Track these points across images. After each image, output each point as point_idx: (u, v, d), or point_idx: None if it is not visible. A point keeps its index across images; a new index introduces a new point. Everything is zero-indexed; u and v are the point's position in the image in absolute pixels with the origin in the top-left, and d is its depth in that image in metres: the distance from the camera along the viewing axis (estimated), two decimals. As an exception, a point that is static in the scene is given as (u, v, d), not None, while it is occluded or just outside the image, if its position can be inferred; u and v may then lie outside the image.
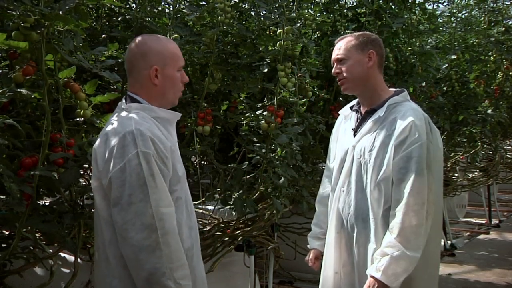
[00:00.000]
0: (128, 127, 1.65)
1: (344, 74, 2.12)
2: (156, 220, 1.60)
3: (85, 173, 2.63)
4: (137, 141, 1.62)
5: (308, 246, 2.39)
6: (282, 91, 3.18)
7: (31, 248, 2.28)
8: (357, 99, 2.24)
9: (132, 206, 1.59)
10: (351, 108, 2.27)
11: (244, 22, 3.69)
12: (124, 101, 1.80)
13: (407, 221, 1.92)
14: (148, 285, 1.61)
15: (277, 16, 3.13)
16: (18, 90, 1.98)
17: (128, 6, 3.33)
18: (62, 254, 2.73)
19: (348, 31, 3.71)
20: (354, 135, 2.16)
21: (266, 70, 3.22)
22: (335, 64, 2.16)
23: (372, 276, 1.94)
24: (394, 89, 2.18)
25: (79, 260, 2.34)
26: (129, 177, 1.60)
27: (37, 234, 2.37)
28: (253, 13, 3.76)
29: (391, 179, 1.99)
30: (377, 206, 2.02)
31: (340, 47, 2.14)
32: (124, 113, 1.73)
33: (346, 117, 2.28)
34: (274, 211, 3.16)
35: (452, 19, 5.94)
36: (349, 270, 2.12)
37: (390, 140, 2.00)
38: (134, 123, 1.66)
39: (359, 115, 2.20)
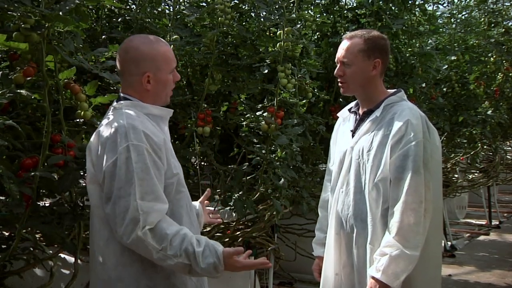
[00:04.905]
0: (120, 122, 1.64)
1: (346, 78, 2.12)
2: (140, 214, 1.57)
3: (85, 174, 2.63)
4: (128, 135, 1.61)
5: (313, 253, 2.37)
6: (282, 92, 3.18)
7: (31, 249, 2.28)
8: (356, 101, 2.24)
9: (121, 200, 1.58)
10: (349, 110, 2.27)
11: (244, 23, 3.70)
12: (115, 101, 1.80)
13: (405, 220, 1.92)
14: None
15: (277, 17, 3.12)
16: (19, 91, 1.98)
17: (128, 7, 3.33)
18: (62, 255, 2.73)
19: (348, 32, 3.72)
20: (353, 136, 2.16)
21: (266, 71, 3.22)
22: (339, 64, 2.14)
23: (372, 277, 1.94)
24: (391, 90, 2.18)
25: (79, 261, 2.34)
26: (119, 171, 1.59)
27: (37, 235, 2.37)
28: (253, 14, 3.77)
29: (389, 179, 1.99)
30: (375, 206, 2.01)
31: (347, 48, 2.10)
32: (116, 111, 1.72)
33: (345, 119, 2.28)
34: (274, 212, 3.16)
35: (452, 20, 5.95)
36: (349, 271, 2.11)
37: (388, 140, 2.00)
38: (126, 117, 1.66)
39: (357, 116, 2.20)
